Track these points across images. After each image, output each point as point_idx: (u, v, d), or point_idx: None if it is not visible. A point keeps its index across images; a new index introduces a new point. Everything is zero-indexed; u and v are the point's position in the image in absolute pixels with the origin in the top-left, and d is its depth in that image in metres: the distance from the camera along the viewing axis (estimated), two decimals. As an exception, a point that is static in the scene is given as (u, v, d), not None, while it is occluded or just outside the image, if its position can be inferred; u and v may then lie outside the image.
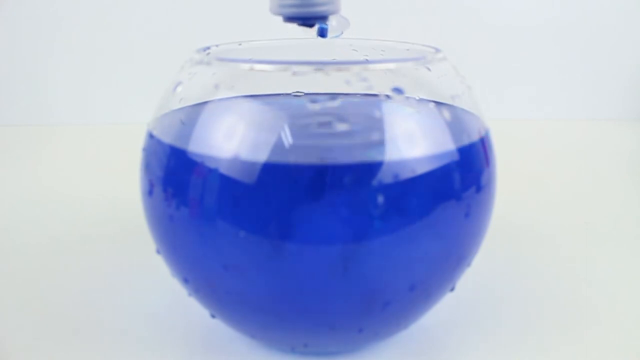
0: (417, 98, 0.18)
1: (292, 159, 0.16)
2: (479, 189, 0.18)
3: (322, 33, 0.20)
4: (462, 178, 0.17)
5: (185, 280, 0.19)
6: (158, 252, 0.19)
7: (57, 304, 0.24)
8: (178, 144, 0.18)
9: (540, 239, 0.30)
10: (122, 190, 0.31)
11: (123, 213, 0.32)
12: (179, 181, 0.17)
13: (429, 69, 0.18)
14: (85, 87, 0.55)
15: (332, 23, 0.20)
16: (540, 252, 0.29)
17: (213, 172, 0.16)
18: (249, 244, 0.16)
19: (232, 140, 0.16)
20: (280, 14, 0.19)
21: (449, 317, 0.23)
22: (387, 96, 0.17)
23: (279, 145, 0.16)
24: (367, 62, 0.17)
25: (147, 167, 0.19)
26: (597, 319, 0.23)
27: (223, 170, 0.16)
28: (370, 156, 0.16)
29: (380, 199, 0.16)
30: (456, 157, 0.17)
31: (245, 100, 0.18)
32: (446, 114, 0.18)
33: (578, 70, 0.57)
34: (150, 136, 0.19)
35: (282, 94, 0.21)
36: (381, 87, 0.17)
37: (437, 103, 0.18)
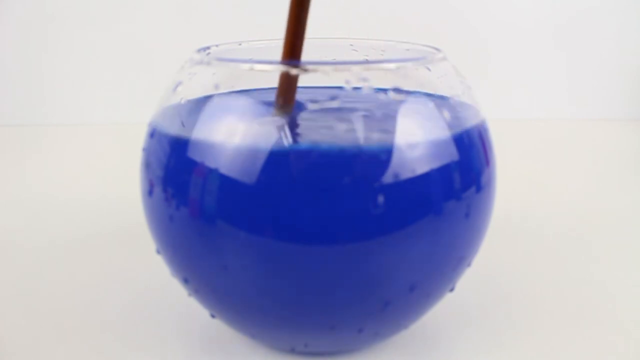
0: (417, 97, 0.18)
1: (292, 159, 0.16)
2: (479, 188, 0.18)
3: None
4: (462, 178, 0.17)
5: (185, 280, 0.19)
6: (158, 252, 0.19)
7: (56, 304, 0.24)
8: (178, 143, 0.18)
9: (541, 238, 0.30)
10: (122, 190, 0.31)
11: (123, 213, 0.32)
12: (179, 181, 0.17)
13: (429, 69, 0.18)
14: (85, 87, 0.55)
15: None
16: (541, 252, 0.29)
17: (213, 171, 0.16)
18: (249, 244, 0.16)
19: (232, 138, 0.16)
20: None
21: (449, 317, 0.23)
22: (387, 95, 0.17)
23: (278, 145, 0.16)
24: (367, 62, 0.17)
25: (147, 166, 0.19)
26: (597, 319, 0.23)
27: (223, 169, 0.16)
28: (370, 156, 0.16)
29: (380, 198, 0.16)
30: (456, 156, 0.17)
31: (246, 96, 0.18)
32: (446, 113, 0.18)
33: (578, 70, 0.57)
34: (151, 136, 0.19)
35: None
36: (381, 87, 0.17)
37: (437, 103, 0.18)
